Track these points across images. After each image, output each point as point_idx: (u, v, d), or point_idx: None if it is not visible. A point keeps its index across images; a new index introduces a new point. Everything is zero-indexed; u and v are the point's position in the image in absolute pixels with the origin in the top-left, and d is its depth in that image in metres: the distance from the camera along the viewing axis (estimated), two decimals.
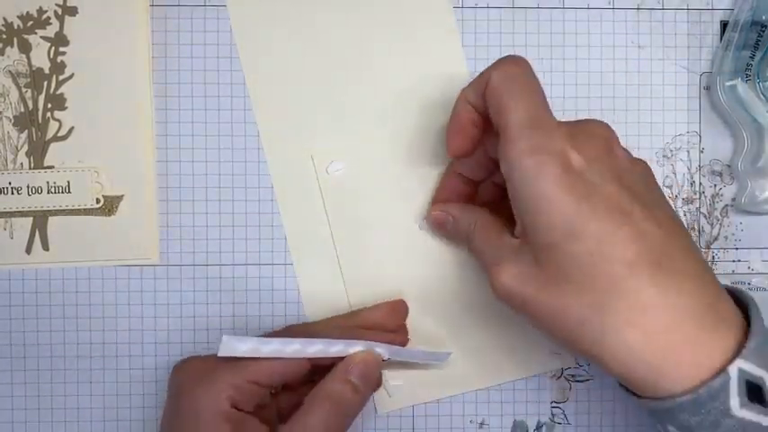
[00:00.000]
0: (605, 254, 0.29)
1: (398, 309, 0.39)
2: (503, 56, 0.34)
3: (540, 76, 0.33)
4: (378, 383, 0.36)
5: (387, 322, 0.39)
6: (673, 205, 0.41)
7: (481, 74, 0.34)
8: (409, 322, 0.40)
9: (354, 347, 0.35)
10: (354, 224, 0.40)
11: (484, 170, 0.37)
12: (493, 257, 0.33)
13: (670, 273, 0.29)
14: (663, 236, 0.30)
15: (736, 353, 0.29)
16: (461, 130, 0.35)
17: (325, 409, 0.34)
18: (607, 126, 0.33)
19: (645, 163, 0.34)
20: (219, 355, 0.33)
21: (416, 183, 0.40)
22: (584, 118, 0.34)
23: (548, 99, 0.32)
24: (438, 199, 0.39)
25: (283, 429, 0.33)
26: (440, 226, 0.39)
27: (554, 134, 0.31)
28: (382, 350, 0.36)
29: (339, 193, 0.40)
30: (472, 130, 0.35)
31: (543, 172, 0.30)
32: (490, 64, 0.33)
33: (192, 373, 0.35)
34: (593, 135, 0.32)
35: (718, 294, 0.31)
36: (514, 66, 0.33)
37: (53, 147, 0.39)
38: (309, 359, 0.35)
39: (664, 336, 0.29)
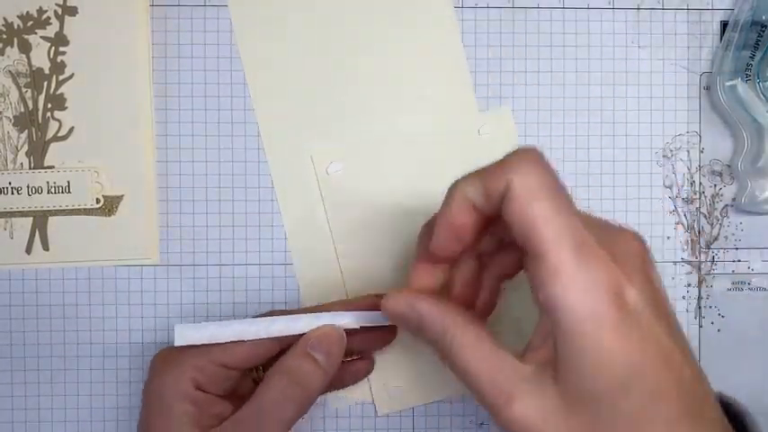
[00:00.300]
0: (652, 410, 0.26)
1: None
2: (513, 150, 0.28)
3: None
4: (341, 357, 0.34)
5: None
6: (673, 205, 0.41)
7: (489, 170, 0.28)
8: None
9: (320, 320, 0.34)
10: (354, 224, 0.40)
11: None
12: (498, 384, 0.28)
13: (706, 426, 0.27)
14: (698, 382, 0.27)
15: None
16: (453, 233, 0.29)
17: (283, 383, 0.33)
18: (642, 239, 0.29)
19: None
20: (176, 344, 0.33)
21: (416, 183, 0.40)
22: (613, 223, 0.29)
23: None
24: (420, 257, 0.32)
25: (244, 408, 0.33)
26: (401, 322, 0.31)
27: (605, 264, 0.26)
28: (350, 319, 0.34)
29: (339, 193, 0.40)
30: (467, 235, 0.29)
31: (599, 316, 0.26)
32: (501, 157, 0.28)
33: (163, 357, 0.35)
34: (632, 254, 0.28)
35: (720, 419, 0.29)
36: (537, 169, 0.27)
37: (53, 147, 0.39)
38: (277, 340, 0.34)
39: None
